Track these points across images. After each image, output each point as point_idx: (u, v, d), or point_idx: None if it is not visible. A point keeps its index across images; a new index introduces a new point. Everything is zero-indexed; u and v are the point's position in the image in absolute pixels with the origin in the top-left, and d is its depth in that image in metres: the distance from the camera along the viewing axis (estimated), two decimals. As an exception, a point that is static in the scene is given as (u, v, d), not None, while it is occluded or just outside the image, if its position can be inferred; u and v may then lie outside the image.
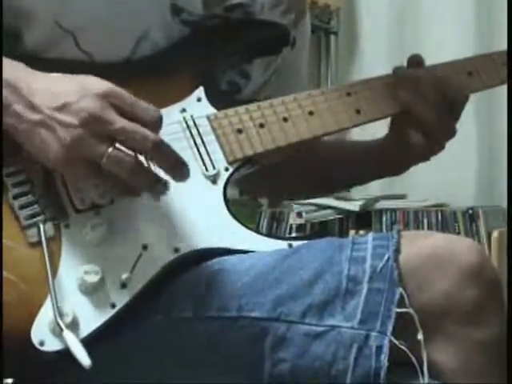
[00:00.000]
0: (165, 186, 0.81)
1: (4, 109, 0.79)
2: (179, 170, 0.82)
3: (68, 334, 0.75)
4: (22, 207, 0.82)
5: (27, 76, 0.81)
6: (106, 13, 0.91)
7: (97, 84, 0.79)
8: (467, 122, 2.56)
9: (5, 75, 0.80)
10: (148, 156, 0.80)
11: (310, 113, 0.96)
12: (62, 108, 0.78)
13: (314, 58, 2.98)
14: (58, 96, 0.78)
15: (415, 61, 1.03)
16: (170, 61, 0.95)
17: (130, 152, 0.78)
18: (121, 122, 0.77)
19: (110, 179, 0.80)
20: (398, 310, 0.78)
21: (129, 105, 0.79)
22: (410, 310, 0.78)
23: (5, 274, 0.78)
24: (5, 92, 0.79)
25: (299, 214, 2.52)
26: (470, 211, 2.35)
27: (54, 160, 0.78)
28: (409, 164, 1.09)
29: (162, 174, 0.81)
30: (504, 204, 2.42)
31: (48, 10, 0.90)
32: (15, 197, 0.83)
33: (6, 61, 0.82)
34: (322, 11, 2.79)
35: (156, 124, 0.80)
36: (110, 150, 0.77)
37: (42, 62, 0.85)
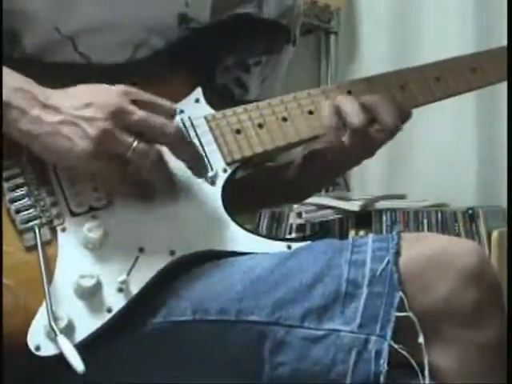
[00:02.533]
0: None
1: (19, 117, 0.79)
2: (198, 161, 0.85)
3: (62, 339, 0.75)
4: (19, 211, 0.82)
5: (40, 87, 0.82)
6: (105, 20, 0.91)
7: (112, 86, 0.82)
8: (467, 122, 2.58)
9: (16, 84, 0.80)
10: (170, 146, 0.82)
11: (310, 112, 0.96)
12: (84, 106, 0.79)
13: (314, 58, 2.98)
14: (77, 97, 0.80)
15: None
16: (168, 62, 0.95)
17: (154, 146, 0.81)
18: (142, 113, 0.80)
19: (130, 176, 0.82)
20: (398, 314, 0.78)
21: (147, 98, 0.82)
22: (410, 314, 0.77)
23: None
24: (18, 100, 0.79)
25: (299, 214, 2.52)
26: (470, 211, 2.35)
27: (82, 155, 0.79)
28: (312, 189, 1.08)
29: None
30: (504, 204, 2.41)
31: (47, 16, 0.90)
32: (12, 201, 0.82)
33: (15, 73, 0.82)
34: (322, 11, 2.79)
35: (173, 115, 0.84)
36: (136, 143, 0.79)
37: (40, 66, 0.84)
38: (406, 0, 2.76)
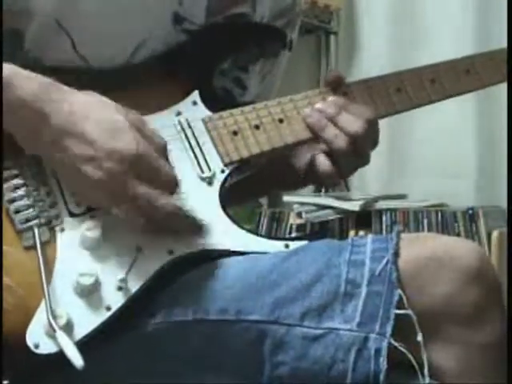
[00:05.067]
0: None
1: (34, 133, 0.79)
2: (192, 230, 0.85)
3: (61, 335, 0.75)
4: (17, 211, 0.82)
5: (55, 97, 0.80)
6: (104, 18, 0.91)
7: (128, 144, 0.79)
8: (467, 122, 2.58)
9: (27, 94, 0.79)
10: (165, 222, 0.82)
11: None
12: (89, 160, 0.79)
13: (314, 58, 2.98)
14: (87, 145, 0.79)
15: (335, 81, 1.00)
16: (166, 64, 0.95)
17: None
18: (139, 190, 0.79)
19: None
20: (397, 312, 0.78)
21: (153, 172, 0.80)
22: (409, 312, 0.78)
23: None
24: (30, 117, 0.79)
25: (299, 214, 2.52)
26: (470, 211, 2.35)
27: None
28: (307, 183, 1.08)
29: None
30: (504, 204, 2.41)
31: (49, 10, 0.90)
32: (10, 201, 0.82)
33: (27, 76, 0.81)
34: (322, 11, 2.79)
35: (173, 189, 0.82)
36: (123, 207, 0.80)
37: (40, 70, 0.84)
38: (405, 0, 2.77)
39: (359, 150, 0.95)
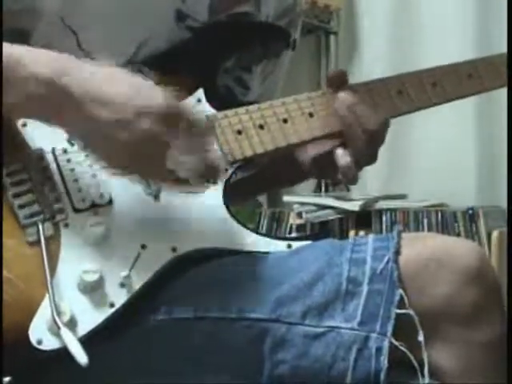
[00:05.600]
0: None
1: (54, 107, 0.77)
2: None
3: (65, 332, 0.76)
4: (21, 206, 0.82)
5: (71, 68, 0.77)
6: (108, 16, 0.91)
7: (155, 100, 0.77)
8: (467, 123, 2.58)
9: (40, 69, 0.76)
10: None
11: (310, 114, 0.96)
12: (119, 124, 0.76)
13: (314, 58, 2.98)
14: (114, 108, 0.76)
15: (338, 76, 1.00)
16: (171, 62, 0.95)
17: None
18: (178, 144, 0.77)
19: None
20: (398, 311, 0.78)
21: (186, 122, 0.78)
22: (410, 311, 0.78)
23: (4, 273, 0.78)
24: (48, 92, 0.76)
25: (299, 214, 2.52)
26: (470, 211, 2.35)
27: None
28: (309, 177, 1.08)
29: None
30: (504, 204, 2.41)
31: (55, 5, 0.91)
32: (14, 196, 0.83)
33: (39, 52, 0.79)
34: (322, 11, 2.79)
35: (209, 134, 0.83)
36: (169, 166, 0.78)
37: None
38: (405, 0, 2.77)
39: (374, 145, 0.95)
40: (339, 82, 0.98)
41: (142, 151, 0.77)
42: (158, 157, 0.77)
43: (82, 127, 0.77)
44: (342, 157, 0.95)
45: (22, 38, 0.91)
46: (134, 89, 0.77)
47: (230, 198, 0.90)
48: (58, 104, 0.76)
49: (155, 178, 0.82)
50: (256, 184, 1.14)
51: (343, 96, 0.96)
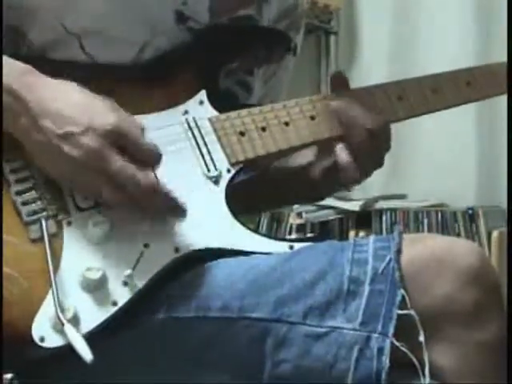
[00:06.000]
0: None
1: (14, 117, 0.80)
2: (173, 211, 0.84)
3: (69, 328, 0.75)
4: (25, 203, 0.83)
5: (36, 84, 0.82)
6: (110, 19, 0.92)
7: (104, 118, 0.80)
8: (467, 123, 2.58)
9: (11, 81, 0.80)
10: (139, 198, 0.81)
11: (312, 117, 0.97)
12: (66, 137, 0.79)
13: (314, 57, 2.98)
14: (63, 121, 0.80)
15: (339, 81, 1.01)
16: (173, 64, 0.96)
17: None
18: (117, 164, 0.79)
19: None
20: (400, 312, 0.78)
21: (132, 144, 0.81)
22: (412, 312, 0.78)
23: (6, 269, 0.78)
24: (12, 102, 0.80)
25: (299, 214, 2.52)
26: (470, 211, 2.36)
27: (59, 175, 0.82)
28: (330, 191, 1.08)
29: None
30: (504, 204, 2.42)
31: (52, 11, 0.91)
32: (18, 193, 0.83)
33: (12, 63, 0.82)
34: (322, 11, 2.79)
35: (156, 164, 0.82)
36: (106, 189, 0.80)
37: (46, 63, 0.85)
38: (406, 0, 2.77)
39: (376, 147, 0.96)
40: (341, 84, 0.99)
41: (84, 166, 0.79)
42: (97, 172, 0.80)
43: (33, 139, 0.81)
44: (343, 156, 0.95)
45: (16, 35, 0.92)
46: (85, 106, 0.81)
47: (234, 204, 0.90)
48: (16, 114, 0.80)
49: (92, 193, 0.83)
50: (270, 200, 1.14)
51: (342, 97, 0.97)
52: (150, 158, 0.82)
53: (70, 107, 0.81)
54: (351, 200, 2.49)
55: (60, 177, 0.82)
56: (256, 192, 1.06)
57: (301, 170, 1.03)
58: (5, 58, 0.82)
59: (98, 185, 0.80)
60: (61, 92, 0.82)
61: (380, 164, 0.99)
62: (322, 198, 1.14)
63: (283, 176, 1.06)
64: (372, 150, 0.96)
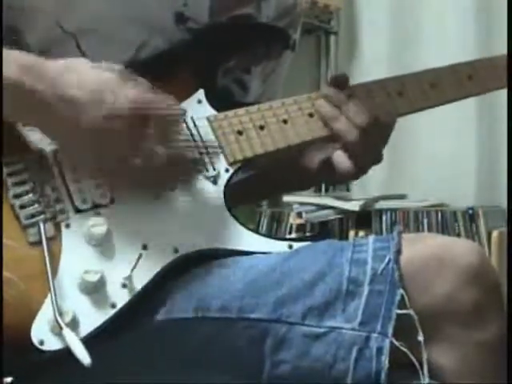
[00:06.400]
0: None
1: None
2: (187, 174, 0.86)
3: (68, 332, 0.76)
4: (23, 206, 0.82)
5: (46, 72, 0.80)
6: (107, 19, 0.92)
7: (119, 101, 0.80)
8: (467, 123, 2.58)
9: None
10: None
11: (310, 115, 0.97)
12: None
13: (314, 58, 2.98)
14: (78, 108, 0.79)
15: (340, 81, 1.01)
16: (171, 63, 0.96)
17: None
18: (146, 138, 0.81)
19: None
20: (399, 312, 0.78)
21: (155, 114, 0.82)
22: (411, 312, 0.78)
23: (5, 273, 0.78)
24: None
25: (299, 214, 2.52)
26: (470, 211, 2.35)
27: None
28: (324, 181, 1.08)
29: None
30: (504, 204, 2.41)
31: (50, 13, 0.91)
32: (16, 196, 0.83)
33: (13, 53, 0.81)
34: (322, 11, 2.79)
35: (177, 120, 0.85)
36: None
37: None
38: (405, 1, 2.77)
39: (370, 143, 0.95)
40: (340, 84, 0.98)
41: (113, 148, 0.80)
42: (125, 149, 0.80)
43: (54, 128, 0.80)
44: (337, 153, 0.95)
45: (15, 35, 0.92)
46: (95, 92, 0.80)
47: (231, 199, 0.90)
48: (28, 105, 0.79)
49: (120, 176, 0.83)
50: (260, 188, 1.14)
51: (330, 93, 0.97)
52: (175, 120, 0.84)
53: (82, 91, 0.79)
54: (351, 200, 2.49)
55: (82, 161, 0.82)
56: (247, 179, 1.06)
57: (295, 157, 1.02)
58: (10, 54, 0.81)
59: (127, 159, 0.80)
60: (67, 72, 0.80)
61: (378, 160, 0.99)
62: (312, 186, 1.15)
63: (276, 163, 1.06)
64: (366, 147, 0.95)
